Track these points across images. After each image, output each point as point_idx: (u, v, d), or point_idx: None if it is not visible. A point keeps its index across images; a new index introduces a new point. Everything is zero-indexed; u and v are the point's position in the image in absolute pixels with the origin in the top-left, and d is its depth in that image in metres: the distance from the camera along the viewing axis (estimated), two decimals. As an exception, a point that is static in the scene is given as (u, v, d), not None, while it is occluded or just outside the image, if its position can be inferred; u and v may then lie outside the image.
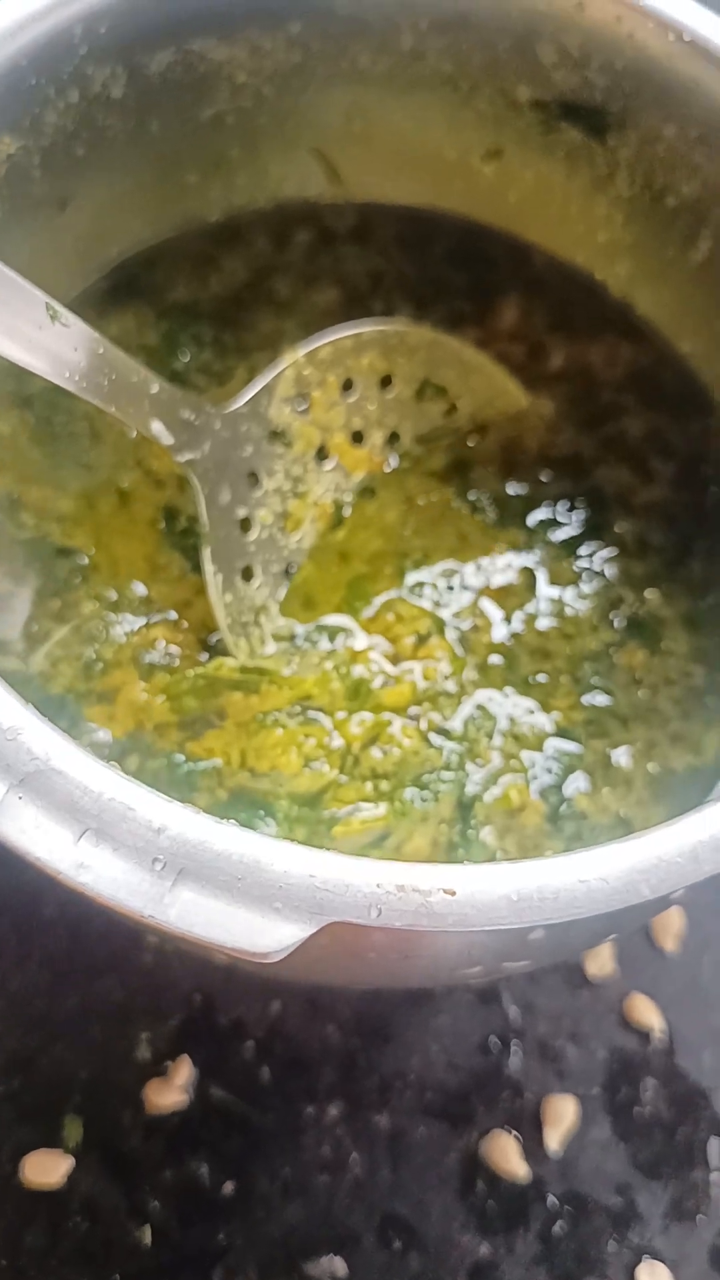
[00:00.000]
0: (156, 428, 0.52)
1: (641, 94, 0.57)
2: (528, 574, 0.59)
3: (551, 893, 0.35)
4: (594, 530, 0.60)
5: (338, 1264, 0.54)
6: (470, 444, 0.62)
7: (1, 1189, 0.54)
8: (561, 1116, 0.57)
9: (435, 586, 0.58)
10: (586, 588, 0.58)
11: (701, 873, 0.36)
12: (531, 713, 0.55)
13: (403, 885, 0.34)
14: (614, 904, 0.35)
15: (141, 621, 0.55)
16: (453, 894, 0.34)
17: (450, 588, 0.58)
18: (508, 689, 0.55)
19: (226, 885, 0.34)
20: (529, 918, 0.34)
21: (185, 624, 0.56)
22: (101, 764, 0.35)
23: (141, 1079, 0.56)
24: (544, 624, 0.57)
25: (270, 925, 0.33)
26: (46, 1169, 0.54)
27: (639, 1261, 0.55)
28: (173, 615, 0.56)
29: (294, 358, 0.57)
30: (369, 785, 0.52)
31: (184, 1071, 0.56)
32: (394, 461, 0.61)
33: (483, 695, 0.55)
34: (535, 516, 0.60)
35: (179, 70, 0.57)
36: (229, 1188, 0.55)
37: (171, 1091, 0.56)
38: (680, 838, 0.36)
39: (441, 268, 0.67)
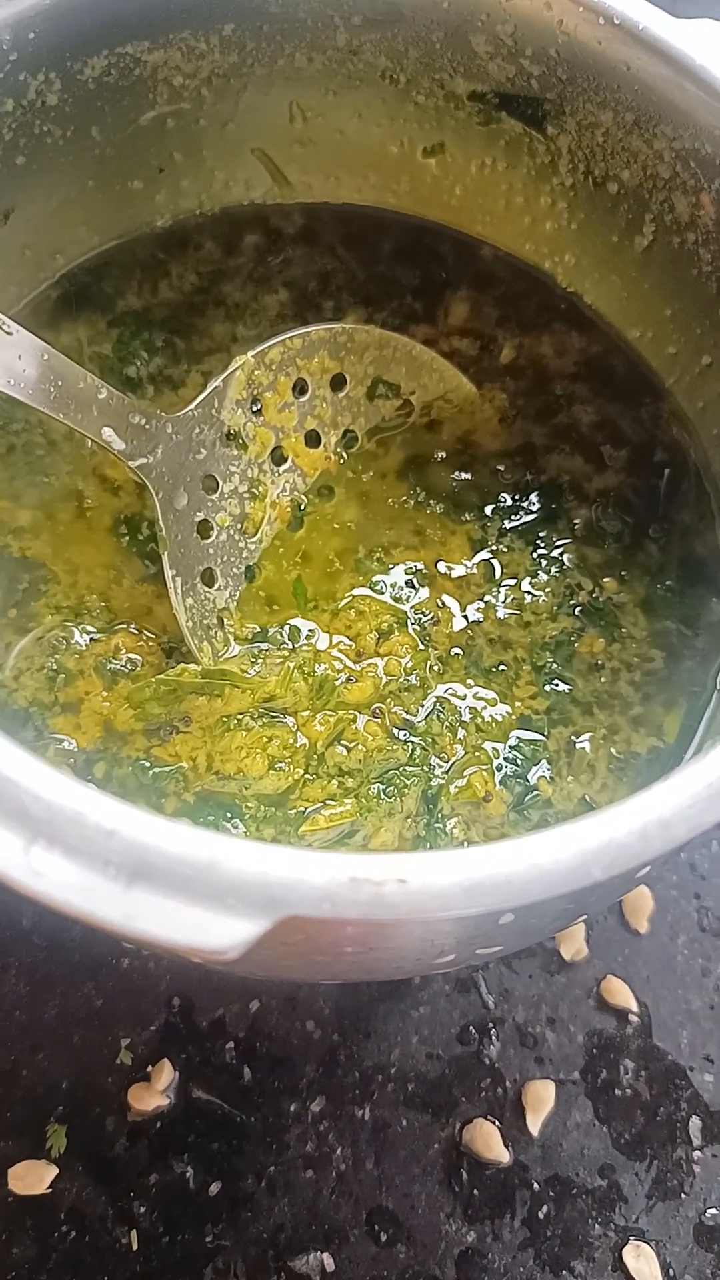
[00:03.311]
0: (107, 434, 0.52)
1: (576, 81, 0.58)
2: (486, 565, 0.59)
3: (504, 878, 0.35)
4: (549, 519, 0.60)
5: (325, 1259, 0.54)
6: (425, 440, 0.63)
7: (-13, 1200, 0.54)
8: (542, 1101, 0.57)
9: (395, 582, 0.58)
10: (544, 576, 0.59)
11: (651, 852, 0.36)
12: (494, 703, 0.55)
13: (355, 877, 0.34)
14: (566, 886, 0.35)
15: (103, 630, 0.55)
16: (405, 883, 0.34)
17: (410, 582, 0.58)
18: (470, 680, 0.56)
19: (180, 885, 0.34)
20: (482, 903, 0.35)
21: (147, 630, 0.56)
22: (53, 770, 0.35)
23: (123, 1084, 0.57)
24: (503, 614, 0.57)
25: (225, 922, 0.33)
26: (32, 1179, 0.55)
27: (625, 1242, 0.55)
28: (134, 623, 0.56)
29: (243, 360, 0.57)
30: (334, 783, 0.52)
31: (165, 1075, 0.57)
32: (350, 461, 0.62)
33: (445, 688, 0.55)
34: (491, 508, 0.60)
35: (114, 74, 0.57)
36: (214, 1188, 0.55)
37: (153, 1095, 0.56)
38: (629, 818, 0.36)
39: (390, 266, 0.67)
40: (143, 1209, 0.54)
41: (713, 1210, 0.56)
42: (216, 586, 0.57)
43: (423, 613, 0.57)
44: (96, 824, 0.34)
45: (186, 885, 0.34)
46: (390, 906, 0.34)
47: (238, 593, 0.57)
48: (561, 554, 0.59)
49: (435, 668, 0.56)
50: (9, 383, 0.48)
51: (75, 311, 0.63)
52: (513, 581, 0.58)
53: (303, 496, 0.60)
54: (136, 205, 0.64)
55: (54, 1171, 0.55)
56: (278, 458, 0.59)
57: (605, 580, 0.59)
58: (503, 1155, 0.56)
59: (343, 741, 0.53)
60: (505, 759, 0.54)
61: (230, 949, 0.33)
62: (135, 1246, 0.54)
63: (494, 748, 0.54)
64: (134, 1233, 0.54)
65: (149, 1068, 0.57)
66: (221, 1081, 0.57)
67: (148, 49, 0.57)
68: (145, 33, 0.56)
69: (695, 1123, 0.58)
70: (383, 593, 0.58)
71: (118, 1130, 0.56)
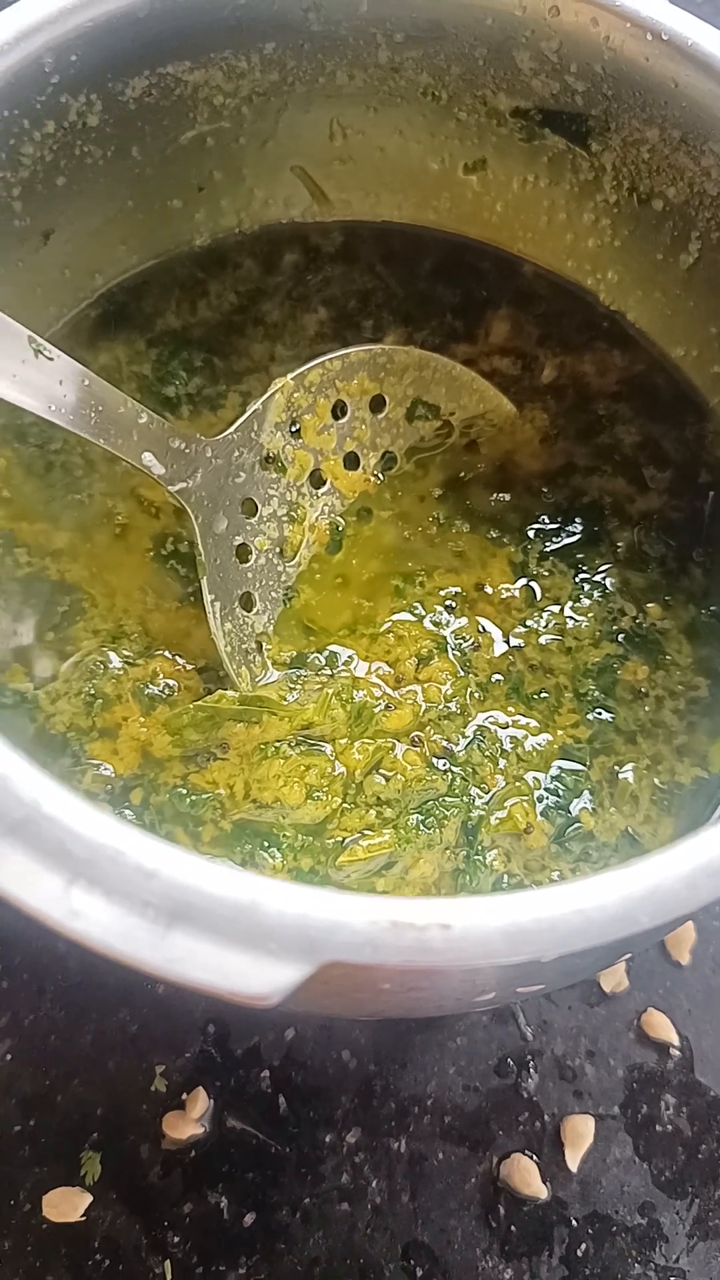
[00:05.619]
0: (147, 458, 0.52)
1: (622, 97, 0.57)
2: (527, 590, 0.58)
3: (549, 924, 0.34)
4: (592, 542, 0.59)
5: (361, 1293, 0.53)
6: (464, 461, 0.62)
7: (22, 1227, 0.54)
8: (581, 1137, 0.56)
9: (435, 606, 0.57)
10: (586, 601, 0.58)
11: (699, 900, 0.35)
12: (535, 732, 0.54)
13: (397, 921, 0.33)
14: (611, 934, 0.34)
15: (141, 654, 0.55)
16: (448, 928, 0.33)
17: (450, 606, 0.58)
18: (511, 708, 0.55)
19: (220, 928, 0.33)
20: (526, 950, 0.34)
21: (185, 655, 0.55)
22: (92, 807, 0.35)
23: (158, 1112, 0.56)
24: (545, 639, 0.57)
25: (266, 967, 0.33)
26: (66, 1207, 0.54)
27: (666, 1281, 0.54)
28: (172, 647, 0.55)
29: (283, 383, 0.56)
30: (373, 812, 0.52)
31: (200, 1103, 0.56)
32: (389, 482, 0.61)
33: (485, 716, 0.54)
34: (532, 531, 0.60)
35: (155, 95, 0.57)
36: (249, 1219, 0.54)
37: (188, 1124, 0.56)
38: (677, 864, 0.35)
39: (430, 284, 0.66)
40: (176, 1239, 0.54)
41: (756, 1250, 0.55)
42: (255, 611, 0.56)
43: (463, 638, 0.57)
44: (137, 864, 0.34)
45: (227, 929, 0.33)
46: (432, 952, 0.33)
47: (275, 617, 0.57)
48: (604, 578, 0.58)
49: (476, 695, 0.55)
50: (50, 408, 0.48)
51: (114, 331, 0.63)
52: (555, 606, 0.57)
53: (341, 519, 0.60)
54: (175, 224, 0.64)
55: (88, 1199, 0.54)
56: (316, 480, 0.59)
57: (649, 605, 0.57)
58: (541, 1191, 0.55)
59: (381, 770, 0.53)
60: (547, 789, 0.53)
61: (271, 995, 0.33)
62: (169, 1277, 0.53)
63: (535, 778, 0.53)
64: (168, 1263, 0.54)
65: (184, 1095, 0.57)
66: (256, 1111, 0.56)
67: (189, 68, 0.57)
68: (186, 53, 0.56)
69: (738, 1160, 0.57)
70: (422, 617, 0.57)
71: (152, 1159, 0.55)
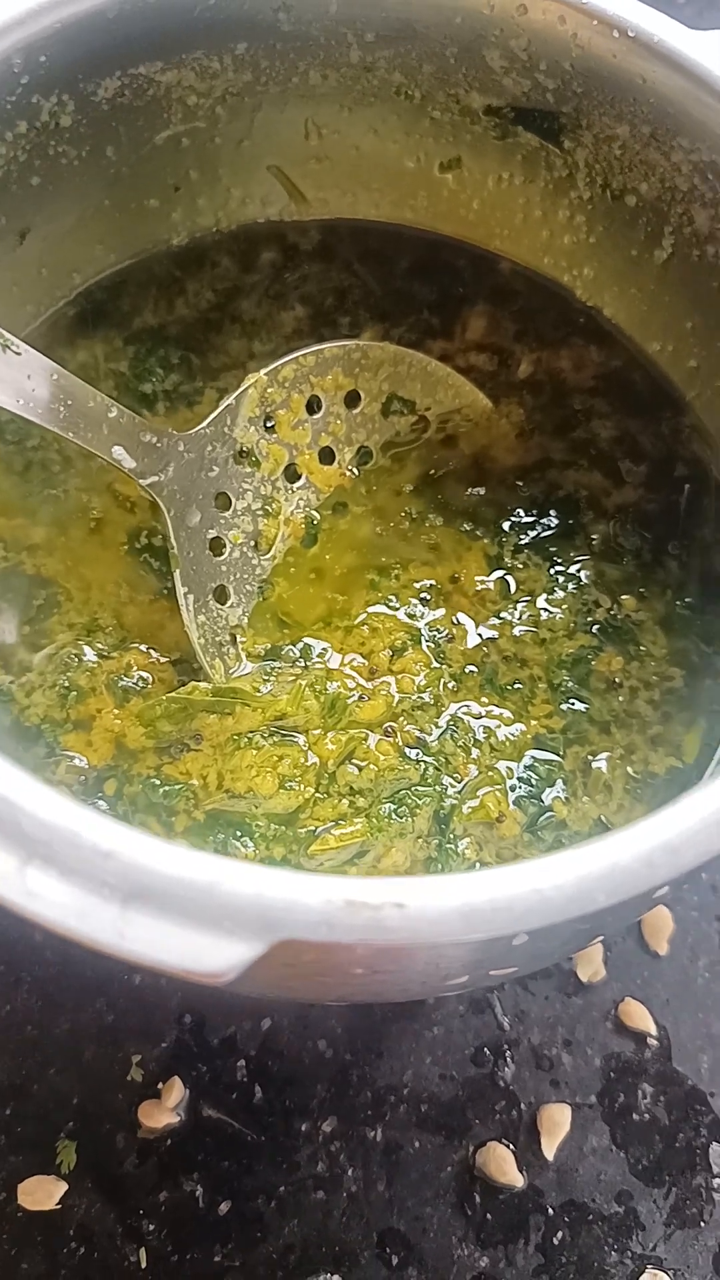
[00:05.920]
0: (118, 452, 0.52)
1: (592, 94, 0.57)
2: (502, 582, 0.58)
3: (504, 903, 0.34)
4: (567, 535, 0.60)
5: (336, 1282, 0.53)
6: (440, 456, 0.62)
7: (-2, 1217, 0.54)
8: (558, 1126, 0.56)
9: (410, 599, 0.58)
10: (561, 593, 0.58)
11: (656, 878, 0.35)
12: (509, 722, 0.54)
13: (351, 900, 0.34)
14: (568, 913, 0.34)
15: (115, 647, 0.55)
16: (402, 907, 0.34)
17: (425, 599, 0.58)
18: (484, 699, 0.55)
19: (176, 907, 0.33)
20: (482, 929, 0.34)
21: (159, 648, 0.56)
22: (50, 790, 0.35)
23: (134, 1101, 0.56)
24: (519, 631, 0.57)
25: (221, 945, 0.33)
26: (41, 1194, 0.55)
27: (642, 1270, 0.54)
28: (146, 640, 0.56)
29: (256, 378, 0.57)
30: (345, 802, 0.52)
31: (176, 1092, 0.56)
32: (364, 476, 0.61)
33: (459, 706, 0.55)
34: (507, 524, 0.60)
35: (128, 95, 0.57)
36: (224, 1208, 0.55)
37: (164, 1113, 0.56)
38: (635, 843, 0.36)
39: (407, 281, 0.67)
40: (152, 1227, 0.54)
41: (732, 1239, 0.55)
42: (229, 604, 0.56)
43: (437, 630, 0.57)
44: (93, 845, 0.34)
45: (182, 908, 0.33)
46: (387, 930, 0.34)
47: (250, 610, 0.57)
48: (579, 570, 0.59)
49: (449, 685, 0.55)
50: (19, 403, 0.48)
51: (92, 329, 0.64)
52: (529, 598, 0.58)
53: (316, 513, 0.60)
54: (153, 223, 0.64)
55: (64, 1187, 0.55)
56: (291, 474, 0.59)
57: (624, 597, 0.58)
58: (517, 1179, 0.55)
59: (354, 760, 0.53)
60: (520, 779, 0.53)
61: (225, 972, 0.33)
62: (144, 1265, 0.53)
63: (508, 767, 0.53)
64: (143, 1251, 0.54)
65: (159, 1085, 0.57)
66: (232, 1100, 0.57)
67: (161, 69, 0.57)
68: (158, 53, 0.56)
69: (716, 1149, 0.57)
70: (397, 609, 0.57)
71: (128, 1147, 0.56)
